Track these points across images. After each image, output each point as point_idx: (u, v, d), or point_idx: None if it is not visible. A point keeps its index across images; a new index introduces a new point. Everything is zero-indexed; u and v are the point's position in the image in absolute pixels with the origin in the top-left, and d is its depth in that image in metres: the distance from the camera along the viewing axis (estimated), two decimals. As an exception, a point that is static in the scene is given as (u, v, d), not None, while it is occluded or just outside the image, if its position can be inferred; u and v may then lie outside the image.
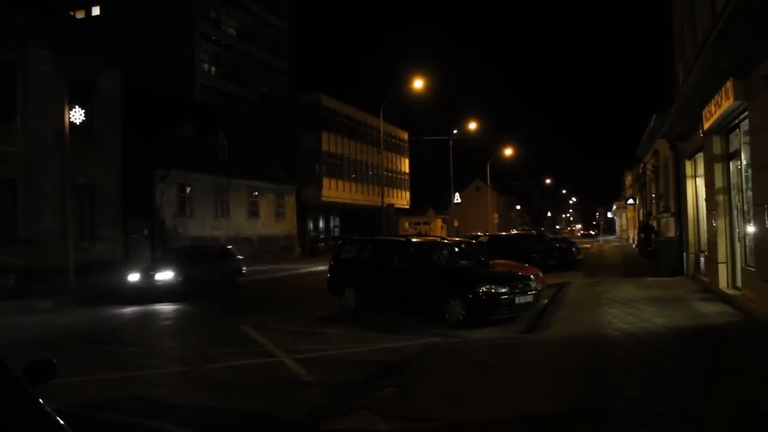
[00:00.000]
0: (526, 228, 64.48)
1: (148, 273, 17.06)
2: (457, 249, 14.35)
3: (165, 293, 16.48)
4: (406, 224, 60.65)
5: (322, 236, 45.77)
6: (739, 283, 11.59)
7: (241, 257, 20.98)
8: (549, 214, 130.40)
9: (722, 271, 12.42)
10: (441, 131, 70.25)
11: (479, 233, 28.18)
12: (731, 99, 9.48)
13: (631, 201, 46.46)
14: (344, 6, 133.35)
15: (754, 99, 8.95)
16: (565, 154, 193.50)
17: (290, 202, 39.21)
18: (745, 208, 10.76)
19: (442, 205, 67.85)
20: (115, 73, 24.40)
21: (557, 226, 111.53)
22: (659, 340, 8.49)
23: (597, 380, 6.55)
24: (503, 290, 11.01)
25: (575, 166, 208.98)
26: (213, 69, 48.01)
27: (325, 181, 44.45)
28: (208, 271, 18.30)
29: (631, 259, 27.61)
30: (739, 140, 10.88)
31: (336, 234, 47.41)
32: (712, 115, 11.13)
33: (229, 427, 5.83)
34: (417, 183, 62.68)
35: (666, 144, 19.64)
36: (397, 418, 5.52)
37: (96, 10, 45.57)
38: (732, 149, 11.60)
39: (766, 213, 8.60)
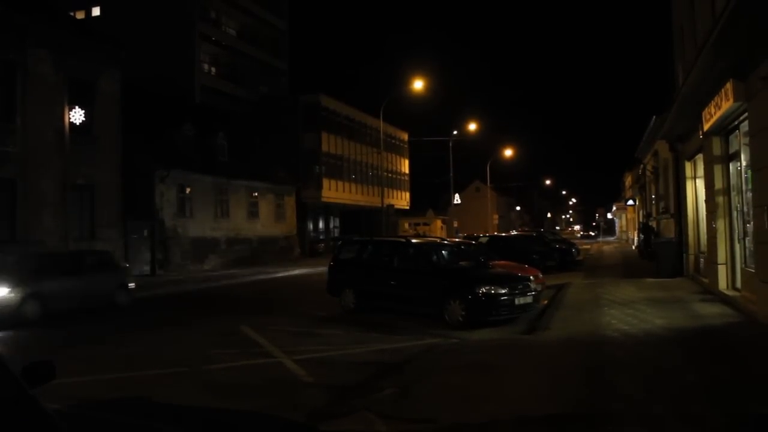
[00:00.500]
0: (526, 229, 64.43)
1: None
2: (456, 250, 14.34)
3: None
4: (406, 225, 60.67)
5: (321, 237, 45.75)
6: (738, 284, 11.58)
7: (126, 265, 17.62)
8: (549, 215, 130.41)
9: (722, 272, 12.42)
10: (441, 132, 70.29)
11: (476, 234, 28.20)
12: (731, 100, 9.48)
13: (630, 202, 46.46)
14: (344, 6, 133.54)
15: (754, 100, 8.95)
16: (565, 155, 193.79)
17: (290, 202, 39.21)
18: (745, 209, 10.76)
19: (442, 206, 67.86)
20: (114, 74, 24.41)
21: (557, 227, 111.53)
22: (659, 341, 8.49)
23: (597, 381, 6.55)
24: (503, 291, 11.01)
25: (575, 167, 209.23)
26: (213, 69, 48.01)
27: (325, 182, 44.45)
28: (69, 287, 13.48)
29: (631, 260, 27.62)
30: (739, 141, 10.88)
31: (336, 235, 47.40)
32: (712, 116, 11.13)
33: (228, 428, 5.83)
34: (417, 184, 62.79)
35: (666, 145, 19.64)
36: (396, 419, 5.52)
37: (96, 11, 45.56)
38: (732, 150, 11.60)
39: (765, 214, 8.60)
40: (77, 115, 20.59)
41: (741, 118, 10.29)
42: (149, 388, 7.11)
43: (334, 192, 45.86)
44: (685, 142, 16.42)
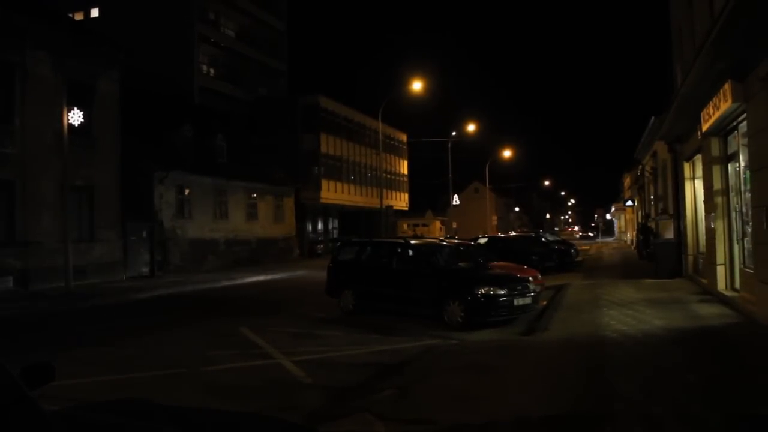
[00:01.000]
0: (525, 230, 64.48)
1: None
2: (455, 251, 14.34)
3: None
4: (405, 226, 60.72)
5: (320, 238, 45.73)
6: (737, 284, 11.59)
7: None
8: (548, 215, 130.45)
9: (721, 272, 12.42)
10: (440, 133, 70.36)
11: (474, 236, 28.15)
12: (729, 101, 9.49)
13: (629, 203, 46.48)
14: (343, 7, 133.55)
15: (753, 101, 8.96)
16: (564, 156, 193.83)
17: (289, 203, 39.19)
18: (744, 209, 10.77)
19: (441, 207, 67.89)
20: (113, 75, 24.40)
21: (556, 228, 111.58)
22: (658, 341, 8.50)
23: (596, 382, 6.55)
24: (502, 292, 11.01)
25: (574, 167, 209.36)
26: (212, 70, 47.98)
27: (324, 183, 44.44)
28: None
29: (630, 261, 27.63)
30: (738, 142, 10.90)
31: (335, 236, 47.39)
32: (711, 117, 11.14)
33: (227, 429, 5.81)
34: (416, 185, 62.80)
35: (664, 146, 19.65)
36: (396, 421, 5.52)
37: (95, 12, 45.53)
38: (730, 151, 11.61)
39: (764, 214, 8.60)
40: (76, 117, 20.54)
41: (740, 118, 10.30)
42: (149, 389, 7.10)
43: (333, 193, 45.86)
44: (684, 142, 16.43)
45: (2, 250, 19.38)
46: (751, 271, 9.95)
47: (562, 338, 9.11)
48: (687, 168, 16.74)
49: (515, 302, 11.15)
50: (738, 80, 9.24)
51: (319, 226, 47.36)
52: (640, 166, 33.20)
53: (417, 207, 65.32)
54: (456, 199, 53.67)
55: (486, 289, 10.95)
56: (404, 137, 59.36)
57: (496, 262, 15.08)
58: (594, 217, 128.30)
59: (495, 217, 68.56)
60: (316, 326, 11.72)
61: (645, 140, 27.69)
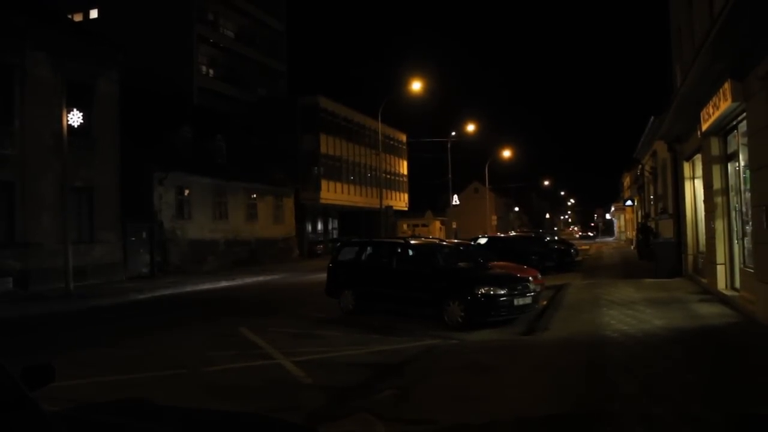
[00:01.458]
0: (525, 230, 64.47)
1: None
2: (455, 251, 14.34)
3: None
4: (405, 226, 60.73)
5: (320, 238, 45.74)
6: (737, 284, 11.59)
7: None
8: (548, 215, 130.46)
9: (720, 272, 12.42)
10: (439, 133, 70.29)
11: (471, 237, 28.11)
12: (729, 100, 9.49)
13: (629, 202, 46.53)
14: (342, 8, 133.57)
15: (752, 100, 8.96)
16: (564, 156, 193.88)
17: (288, 204, 39.19)
18: (744, 209, 10.77)
19: (441, 207, 67.85)
20: (113, 76, 24.39)
21: (556, 228, 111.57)
22: (658, 341, 8.49)
23: (596, 381, 6.55)
24: (502, 292, 11.01)
25: (574, 167, 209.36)
26: (211, 71, 47.97)
27: (324, 184, 44.44)
28: None
29: (630, 261, 27.63)
30: (738, 141, 10.89)
31: (334, 236, 47.40)
32: (710, 116, 11.14)
33: (227, 429, 5.81)
34: (415, 185, 62.86)
35: (664, 145, 19.66)
36: (396, 421, 5.52)
37: (94, 13, 45.50)
38: (730, 150, 11.61)
39: (764, 214, 8.61)
40: (76, 118, 20.53)
41: (739, 118, 10.30)
42: (149, 389, 7.09)
43: (332, 193, 45.86)
44: (684, 142, 16.43)
45: (2, 251, 19.38)
46: (751, 271, 9.95)
47: (563, 338, 9.11)
48: (687, 167, 16.74)
49: (515, 302, 11.14)
50: (738, 79, 9.24)
51: (319, 226, 47.37)
52: (640, 166, 33.22)
53: (417, 207, 65.35)
54: (456, 199, 53.64)
55: (486, 289, 10.95)
56: (404, 137, 59.37)
57: (496, 262, 15.07)
58: (594, 216, 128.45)
59: (495, 217, 68.52)
60: (316, 326, 11.72)
61: (645, 140, 27.71)
